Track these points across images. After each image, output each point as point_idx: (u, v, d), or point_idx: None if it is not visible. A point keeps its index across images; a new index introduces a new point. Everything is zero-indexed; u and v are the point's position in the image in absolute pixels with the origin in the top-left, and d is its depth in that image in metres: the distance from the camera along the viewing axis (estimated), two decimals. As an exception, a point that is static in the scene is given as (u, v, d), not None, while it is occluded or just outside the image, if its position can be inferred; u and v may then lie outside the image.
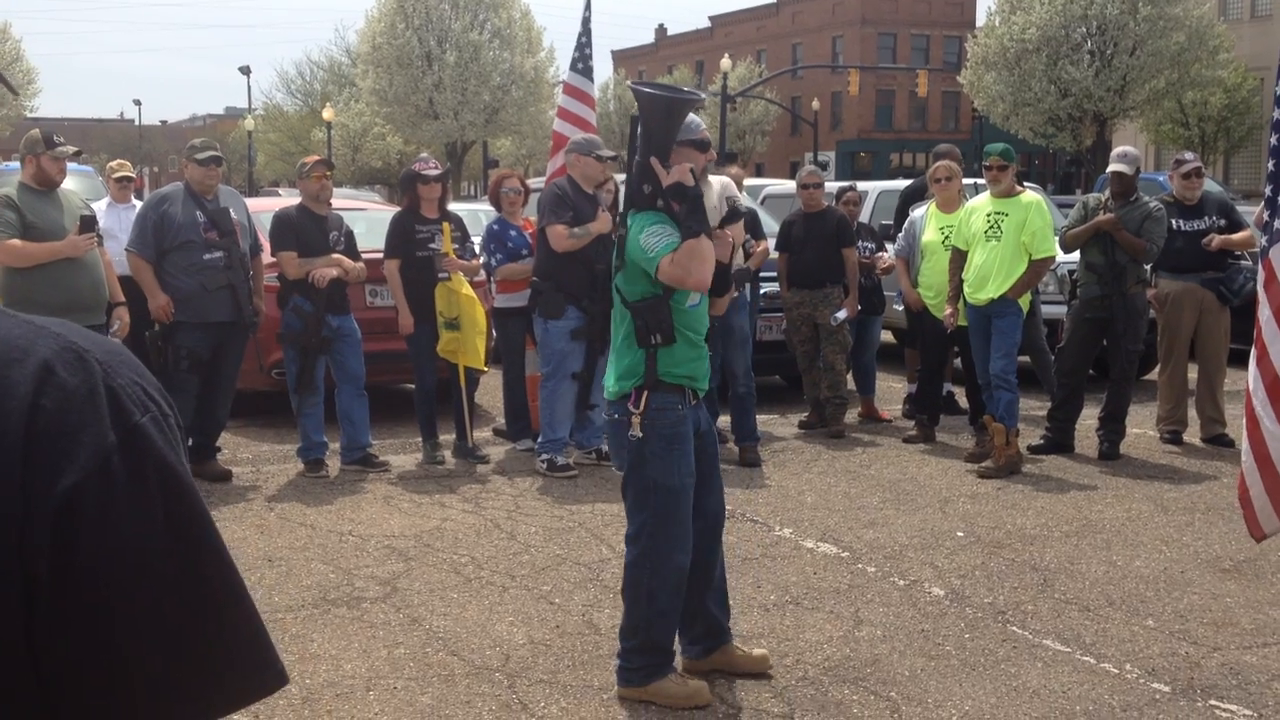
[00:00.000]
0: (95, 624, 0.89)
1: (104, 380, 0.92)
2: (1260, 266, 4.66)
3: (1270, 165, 4.51)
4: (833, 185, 10.88)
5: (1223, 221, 8.76)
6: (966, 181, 9.65)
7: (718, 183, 7.89)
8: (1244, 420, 4.60)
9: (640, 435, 4.25)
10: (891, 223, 10.53)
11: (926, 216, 9.05)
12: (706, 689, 4.45)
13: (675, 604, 4.43)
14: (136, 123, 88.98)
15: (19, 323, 0.94)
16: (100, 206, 9.82)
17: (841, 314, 9.15)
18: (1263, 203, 4.56)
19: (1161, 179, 16.58)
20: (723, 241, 4.60)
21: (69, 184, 7.68)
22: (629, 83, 5.77)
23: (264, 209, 9.36)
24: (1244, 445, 4.62)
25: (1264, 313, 4.53)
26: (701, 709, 4.37)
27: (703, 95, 5.40)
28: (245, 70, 61.09)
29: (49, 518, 0.87)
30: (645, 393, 4.26)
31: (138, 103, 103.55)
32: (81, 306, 6.78)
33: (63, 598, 0.87)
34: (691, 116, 4.47)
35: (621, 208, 4.51)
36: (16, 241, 6.65)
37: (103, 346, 0.96)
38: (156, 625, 0.91)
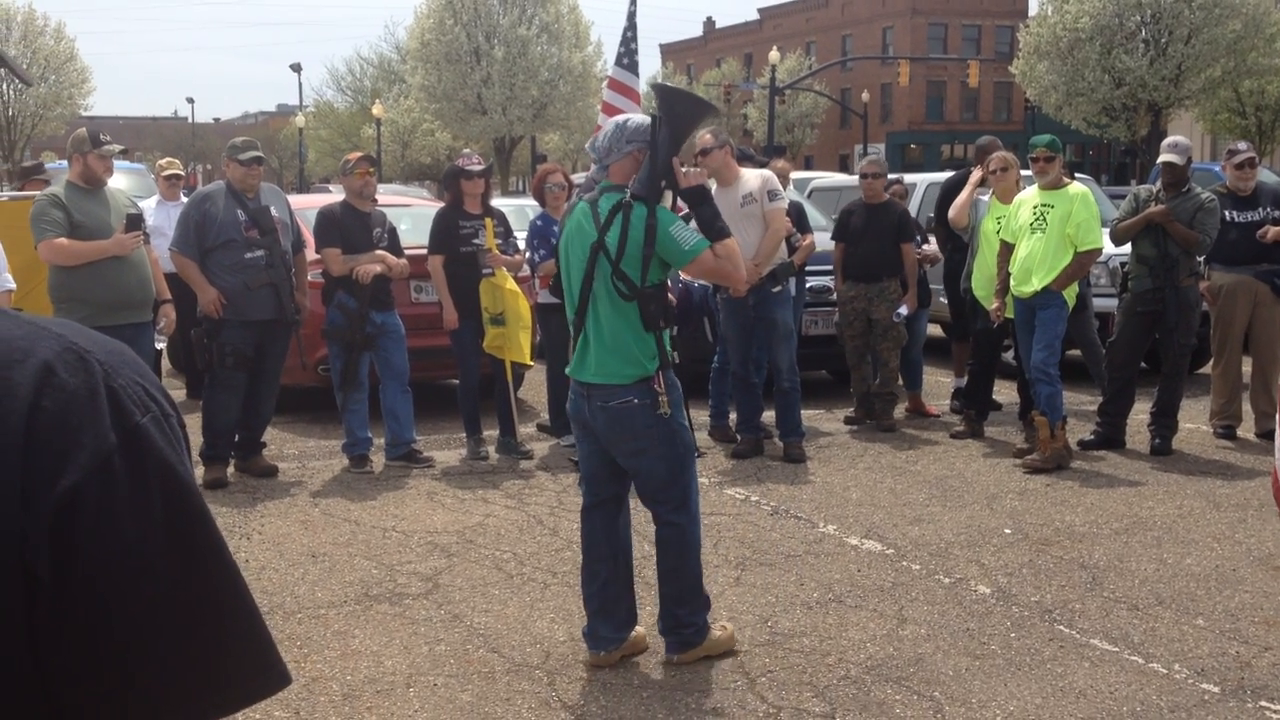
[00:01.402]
0: (96, 624, 0.89)
1: (105, 381, 0.93)
2: None
3: None
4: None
5: (1278, 213, 8.60)
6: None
7: (759, 176, 7.85)
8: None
9: (669, 412, 4.55)
10: (933, 215, 10.40)
11: (989, 205, 8.91)
12: (734, 631, 4.94)
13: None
14: (190, 121, 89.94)
15: (20, 323, 0.94)
16: (150, 204, 9.94)
17: (903, 310, 9.06)
18: None
19: (1218, 169, 16.31)
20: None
21: (119, 182, 7.77)
22: (651, 85, 5.85)
23: (309, 205, 9.41)
24: (1278, 440, 4.55)
25: None
26: (733, 655, 4.79)
27: (720, 109, 5.76)
28: (296, 68, 61.55)
29: (49, 518, 0.87)
30: (662, 373, 4.56)
31: (191, 101, 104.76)
32: (129, 304, 6.84)
33: (64, 597, 0.88)
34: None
35: (615, 196, 4.56)
36: (64, 240, 6.72)
37: (104, 347, 0.96)
38: (157, 625, 0.91)
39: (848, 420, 9.36)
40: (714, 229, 4.57)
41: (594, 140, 4.77)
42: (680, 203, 4.78)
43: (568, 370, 4.75)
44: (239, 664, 0.96)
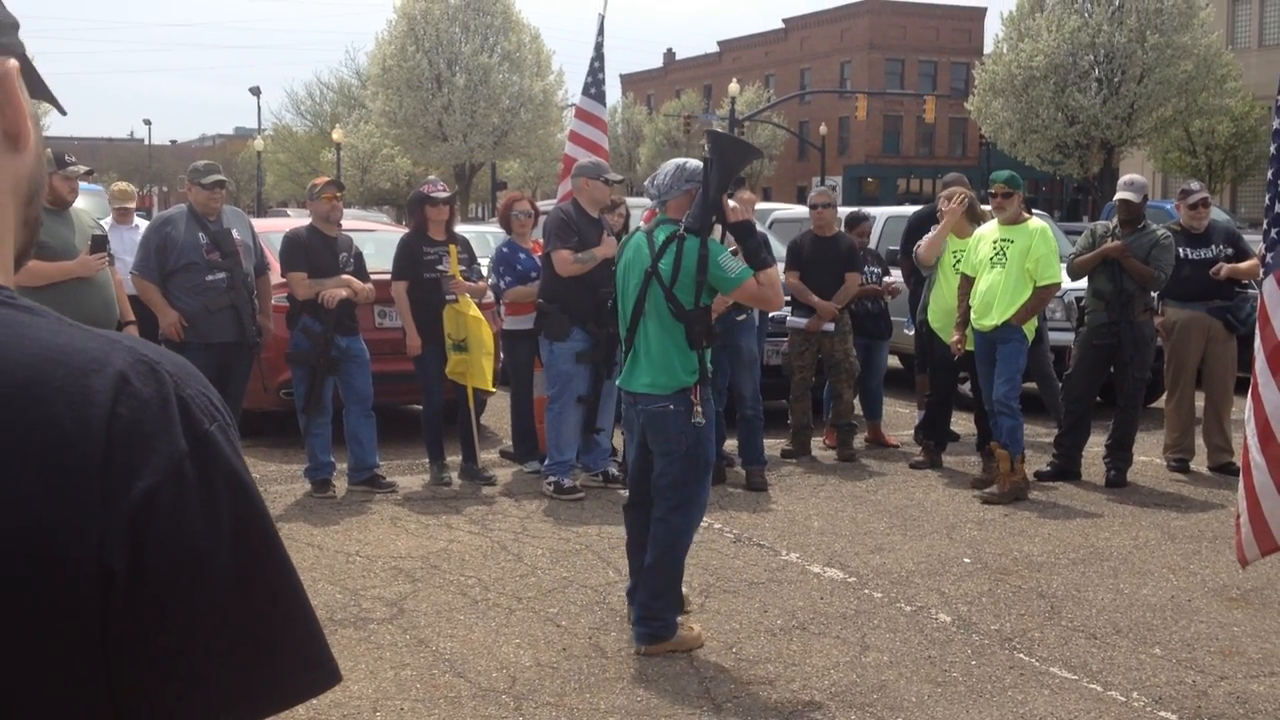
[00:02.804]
0: (167, 622, 0.93)
1: (175, 390, 0.97)
2: (1261, 295, 4.68)
3: (1267, 198, 4.54)
4: (843, 210, 10.87)
5: (1230, 250, 8.77)
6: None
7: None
8: (1241, 447, 4.66)
9: (703, 422, 5.04)
10: (899, 248, 10.53)
11: (945, 240, 9.02)
12: (702, 633, 5.26)
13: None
14: (146, 142, 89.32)
15: (92, 335, 0.98)
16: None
17: (829, 326, 9.04)
18: (1262, 240, 4.59)
19: (1169, 207, 16.58)
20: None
21: (80, 203, 7.72)
22: (706, 129, 6.25)
23: (274, 229, 9.40)
24: (1242, 480, 4.67)
25: (1258, 346, 4.56)
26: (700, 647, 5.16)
27: (763, 153, 6.63)
28: (255, 91, 61.35)
29: (126, 519, 0.91)
30: (699, 387, 5.05)
31: (148, 122, 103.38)
32: (93, 325, 6.77)
33: (138, 596, 0.92)
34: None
35: (669, 229, 5.11)
36: (29, 260, 6.67)
37: (170, 359, 1.00)
38: (222, 623, 0.95)
39: (784, 454, 9.19)
40: (758, 259, 5.09)
41: (653, 179, 5.30)
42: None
43: (618, 382, 5.33)
44: (294, 661, 1.00)
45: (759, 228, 9.78)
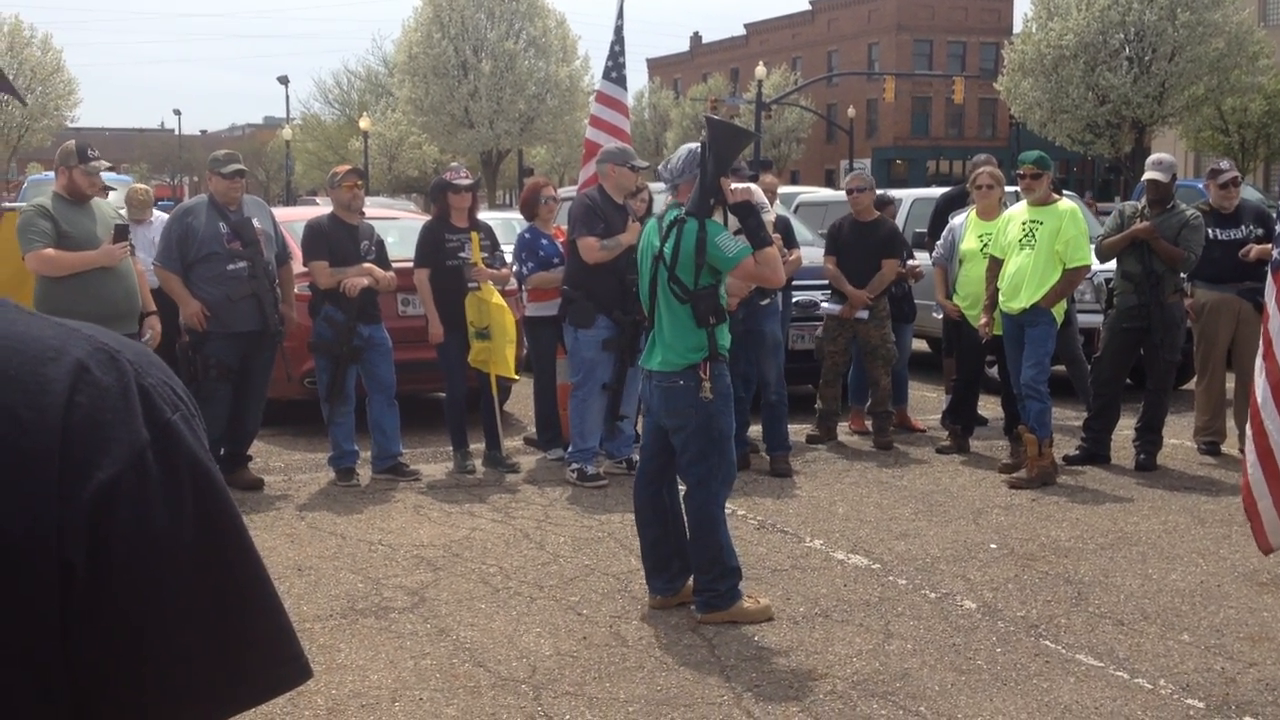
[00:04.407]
0: (126, 613, 0.90)
1: (136, 379, 0.94)
2: (1271, 279, 4.60)
3: None
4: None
5: (1260, 231, 8.64)
6: (1008, 190, 9.52)
7: (745, 190, 7.87)
8: (1249, 431, 4.57)
9: (710, 397, 5.16)
10: (926, 230, 10.44)
11: (966, 224, 8.95)
12: (771, 605, 5.38)
13: (726, 530, 5.40)
14: (176, 132, 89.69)
15: (51, 324, 0.96)
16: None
17: (863, 314, 8.99)
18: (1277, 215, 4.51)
19: (1201, 186, 16.40)
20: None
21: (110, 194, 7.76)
22: (704, 115, 6.39)
23: (296, 218, 9.40)
24: (1249, 456, 4.58)
25: (1274, 324, 4.49)
26: (770, 621, 5.28)
27: (757, 134, 6.68)
28: (284, 80, 61.48)
29: (85, 510, 0.89)
30: (709, 363, 5.18)
31: (178, 113, 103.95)
32: (116, 315, 6.82)
33: (99, 588, 0.89)
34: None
35: (674, 213, 5.28)
36: (51, 251, 6.70)
37: (132, 348, 0.98)
38: (185, 616, 0.93)
39: (809, 439, 9.17)
40: (758, 238, 5.21)
41: (667, 163, 5.47)
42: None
43: (640, 361, 5.53)
44: (262, 655, 0.98)
45: (785, 212, 9.79)
